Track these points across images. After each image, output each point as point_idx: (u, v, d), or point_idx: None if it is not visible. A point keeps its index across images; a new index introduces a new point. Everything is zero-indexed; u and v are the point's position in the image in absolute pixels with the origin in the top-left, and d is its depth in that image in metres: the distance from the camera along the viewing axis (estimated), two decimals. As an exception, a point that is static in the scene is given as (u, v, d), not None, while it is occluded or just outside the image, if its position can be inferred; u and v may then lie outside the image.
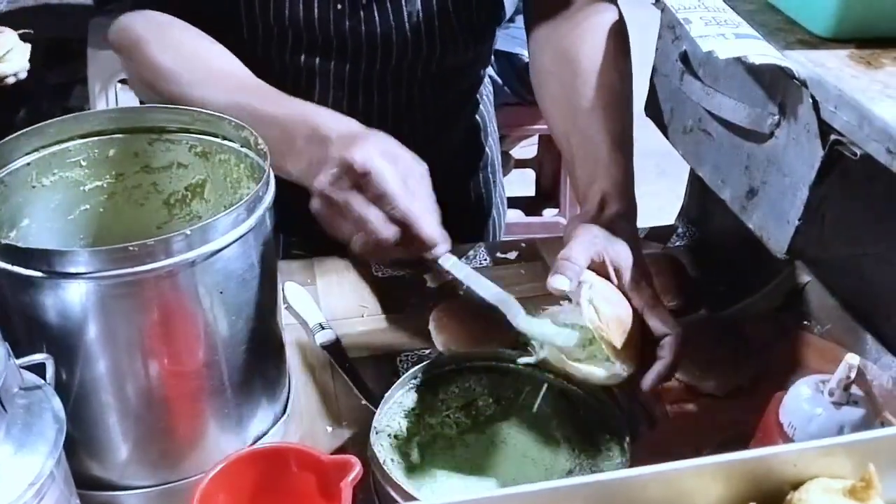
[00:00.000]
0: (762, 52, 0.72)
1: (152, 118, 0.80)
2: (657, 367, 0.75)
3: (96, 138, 0.78)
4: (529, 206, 2.74)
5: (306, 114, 0.82)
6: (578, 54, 0.94)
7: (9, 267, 0.62)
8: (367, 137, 0.76)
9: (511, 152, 2.68)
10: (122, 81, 2.18)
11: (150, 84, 0.92)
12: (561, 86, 0.95)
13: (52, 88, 2.58)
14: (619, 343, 0.72)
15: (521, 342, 0.81)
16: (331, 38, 0.98)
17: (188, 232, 0.63)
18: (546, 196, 2.72)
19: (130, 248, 0.62)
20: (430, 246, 0.72)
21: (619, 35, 0.97)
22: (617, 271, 0.76)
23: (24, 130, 0.74)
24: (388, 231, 0.72)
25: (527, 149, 2.77)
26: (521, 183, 2.80)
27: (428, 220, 0.72)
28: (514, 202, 2.72)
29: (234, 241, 0.67)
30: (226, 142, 0.79)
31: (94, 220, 0.82)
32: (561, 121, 0.93)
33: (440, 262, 0.74)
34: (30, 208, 0.77)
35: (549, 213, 2.67)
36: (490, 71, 2.31)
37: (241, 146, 0.78)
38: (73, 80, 2.51)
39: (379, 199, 0.71)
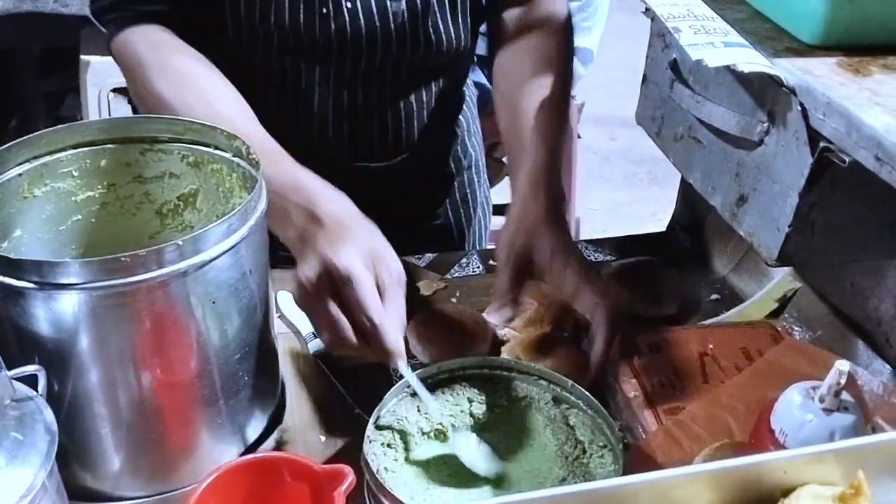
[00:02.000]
0: (751, 60, 0.72)
1: (144, 128, 0.80)
2: (598, 340, 0.86)
3: (88, 149, 0.78)
4: (522, 212, 2.73)
5: (302, 185, 0.82)
6: (526, 57, 1.04)
7: (0, 278, 0.62)
8: (353, 235, 0.77)
9: (503, 159, 2.68)
10: (115, 90, 2.18)
11: (151, 110, 0.91)
12: (510, 86, 1.04)
13: (45, 97, 2.58)
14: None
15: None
16: (317, 40, 0.99)
17: (180, 242, 0.63)
18: (538, 203, 2.71)
19: (122, 259, 0.62)
20: (392, 357, 0.75)
21: (565, 32, 1.06)
22: (542, 265, 0.89)
23: (16, 141, 0.74)
24: (355, 339, 0.75)
25: (519, 156, 2.77)
26: (514, 189, 2.80)
27: (394, 333, 0.75)
28: (505, 209, 2.72)
29: (226, 251, 0.67)
30: (218, 151, 0.79)
31: (85, 230, 0.82)
32: (505, 119, 1.03)
33: (398, 369, 0.78)
34: (21, 219, 0.77)
35: (542, 220, 2.66)
36: (481, 79, 2.33)
37: (234, 156, 0.78)
38: (65, 89, 2.51)
39: (354, 305, 0.74)
